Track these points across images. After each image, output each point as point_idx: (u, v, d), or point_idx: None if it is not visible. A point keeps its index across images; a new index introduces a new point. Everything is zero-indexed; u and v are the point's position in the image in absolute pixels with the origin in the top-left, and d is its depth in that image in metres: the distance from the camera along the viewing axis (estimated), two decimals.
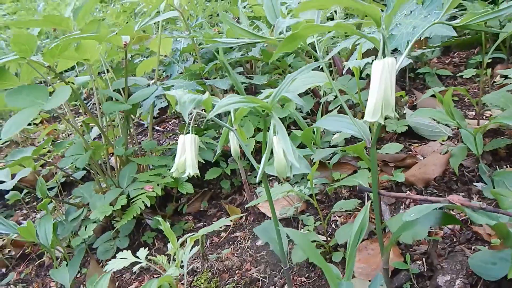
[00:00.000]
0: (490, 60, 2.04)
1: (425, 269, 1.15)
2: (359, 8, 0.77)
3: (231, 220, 1.64)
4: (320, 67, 1.90)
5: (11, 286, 1.72)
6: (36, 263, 1.82)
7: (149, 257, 1.15)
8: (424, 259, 1.18)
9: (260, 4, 2.24)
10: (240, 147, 1.08)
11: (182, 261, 1.21)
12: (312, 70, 1.47)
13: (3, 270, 1.85)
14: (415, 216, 0.84)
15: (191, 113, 1.04)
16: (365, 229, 0.81)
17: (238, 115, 1.07)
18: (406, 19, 1.48)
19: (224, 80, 1.75)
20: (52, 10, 3.80)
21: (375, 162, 0.96)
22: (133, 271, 1.56)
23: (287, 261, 1.06)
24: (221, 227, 1.64)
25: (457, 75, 2.11)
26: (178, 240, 1.17)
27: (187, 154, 1.02)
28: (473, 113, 1.82)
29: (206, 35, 1.86)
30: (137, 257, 1.15)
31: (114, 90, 1.77)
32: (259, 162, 1.04)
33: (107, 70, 2.07)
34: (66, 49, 1.57)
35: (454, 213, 1.32)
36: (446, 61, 2.41)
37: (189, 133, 1.04)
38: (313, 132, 1.54)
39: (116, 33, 1.44)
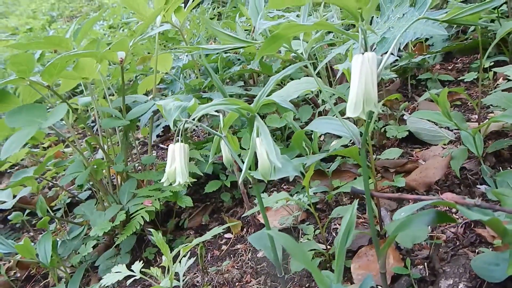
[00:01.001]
0: (492, 64, 2.02)
1: (427, 274, 1.11)
2: (332, 1, 0.76)
3: (231, 232, 1.62)
4: (316, 73, 1.89)
5: None
6: (41, 284, 1.81)
7: (143, 270, 1.13)
8: (425, 263, 1.14)
9: None
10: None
11: (178, 273, 1.19)
12: (307, 77, 1.46)
13: None
14: (405, 214, 0.82)
15: (179, 121, 1.03)
16: (353, 228, 0.78)
17: (227, 121, 1.06)
18: (399, 22, 1.48)
19: (220, 93, 1.75)
20: None
21: (365, 162, 0.94)
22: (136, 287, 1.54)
23: (281, 269, 1.04)
24: (222, 240, 1.62)
25: (459, 79, 2.08)
26: (177, 253, 1.16)
27: (176, 162, 1.01)
28: (477, 116, 1.78)
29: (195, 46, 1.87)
30: (132, 270, 1.13)
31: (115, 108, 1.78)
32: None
33: (112, 94, 2.09)
34: (63, 68, 1.59)
35: (457, 216, 1.29)
36: (449, 67, 2.39)
37: (178, 141, 1.03)
38: (311, 139, 1.52)
39: (110, 48, 1.45)
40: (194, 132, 2.68)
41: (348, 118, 0.79)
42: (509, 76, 1.15)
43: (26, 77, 1.53)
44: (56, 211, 2.25)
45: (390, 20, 1.51)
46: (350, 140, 1.76)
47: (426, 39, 2.47)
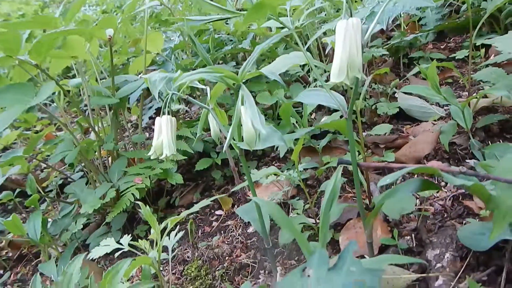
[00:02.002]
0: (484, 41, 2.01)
1: (414, 245, 1.12)
2: None
3: (222, 209, 1.62)
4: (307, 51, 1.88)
5: (8, 286, 1.72)
6: (33, 263, 1.82)
7: (132, 243, 1.13)
8: (413, 235, 1.15)
9: None
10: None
11: (167, 247, 1.20)
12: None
13: (1, 271, 1.85)
14: (390, 180, 0.82)
15: (162, 93, 1.03)
16: (337, 195, 0.78)
17: (214, 93, 1.06)
18: None
19: None
20: None
21: (352, 132, 0.94)
22: None
23: (269, 240, 1.04)
24: (213, 217, 1.62)
25: (450, 56, 2.08)
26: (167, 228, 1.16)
27: (163, 135, 1.01)
28: (467, 93, 1.79)
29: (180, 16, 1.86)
30: (120, 243, 1.13)
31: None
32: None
33: (105, 78, 2.07)
34: (52, 47, 1.57)
35: (445, 190, 1.30)
36: (442, 46, 2.38)
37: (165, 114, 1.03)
38: (302, 117, 1.52)
39: (97, 24, 1.44)
40: (186, 114, 2.68)
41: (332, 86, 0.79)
42: (497, 47, 1.15)
43: (13, 55, 1.51)
44: (48, 193, 2.24)
45: None
46: (341, 117, 1.76)
47: (420, 19, 2.46)
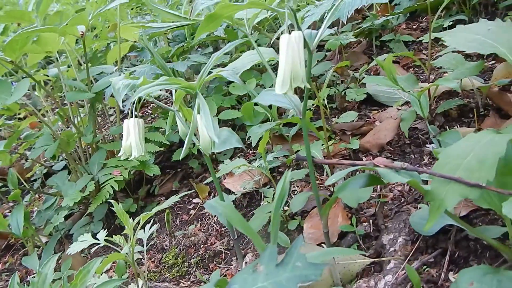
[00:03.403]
0: (451, 23, 2.07)
1: (372, 230, 1.21)
2: None
3: (199, 197, 1.70)
4: (269, 44, 1.92)
5: None
6: (21, 252, 1.90)
7: (107, 238, 1.20)
8: (371, 220, 1.23)
9: None
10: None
11: (142, 240, 1.27)
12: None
13: None
14: (335, 179, 0.89)
15: (126, 99, 1.08)
16: (286, 195, 0.85)
17: (178, 96, 1.11)
18: None
19: (183, 63, 1.78)
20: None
21: (307, 131, 1.00)
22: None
23: (234, 232, 1.12)
24: (190, 205, 1.70)
25: (418, 39, 2.13)
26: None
27: (131, 137, 1.06)
28: (427, 80, 1.84)
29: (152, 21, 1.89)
30: (97, 239, 1.20)
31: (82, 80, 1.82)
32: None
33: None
34: (25, 43, 1.60)
35: None
36: (414, 27, 2.42)
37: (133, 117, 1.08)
38: (270, 107, 1.58)
39: (67, 24, 1.47)
40: (168, 99, 2.71)
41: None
42: (445, 42, 1.20)
43: None
44: (33, 182, 2.30)
45: None
46: (313, 104, 1.83)
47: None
